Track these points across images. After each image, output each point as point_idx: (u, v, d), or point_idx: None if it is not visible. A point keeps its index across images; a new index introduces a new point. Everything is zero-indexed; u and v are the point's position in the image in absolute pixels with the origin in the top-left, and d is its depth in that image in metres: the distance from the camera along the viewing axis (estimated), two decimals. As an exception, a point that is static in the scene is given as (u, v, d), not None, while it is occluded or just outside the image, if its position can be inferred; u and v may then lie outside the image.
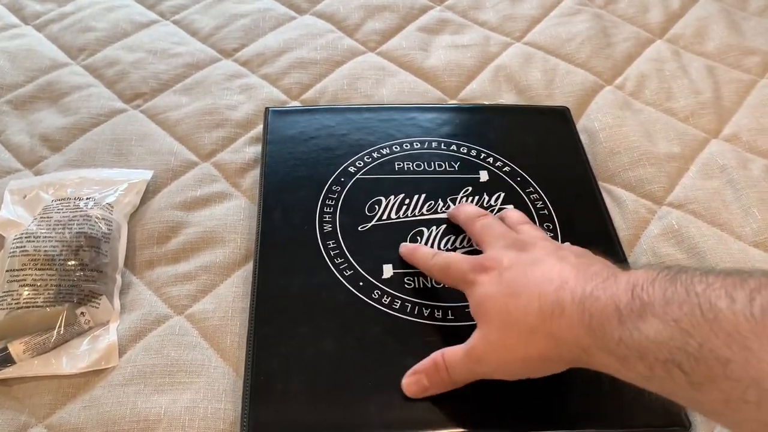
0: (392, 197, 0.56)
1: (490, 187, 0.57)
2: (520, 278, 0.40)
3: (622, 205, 0.59)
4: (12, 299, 0.49)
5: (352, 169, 0.57)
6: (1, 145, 0.63)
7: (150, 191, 0.59)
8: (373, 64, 0.72)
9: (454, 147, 0.60)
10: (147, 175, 0.59)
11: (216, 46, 0.74)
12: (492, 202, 0.56)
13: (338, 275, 0.50)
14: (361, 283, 0.50)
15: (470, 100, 0.68)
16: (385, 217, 0.54)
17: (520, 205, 0.55)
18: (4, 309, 0.49)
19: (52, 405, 0.46)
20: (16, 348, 0.48)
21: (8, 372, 0.47)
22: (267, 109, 0.63)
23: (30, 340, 0.48)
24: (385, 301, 0.49)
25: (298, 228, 0.53)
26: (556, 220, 0.55)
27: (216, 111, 0.66)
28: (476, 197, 0.56)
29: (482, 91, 0.69)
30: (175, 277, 0.54)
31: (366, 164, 0.58)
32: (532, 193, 0.56)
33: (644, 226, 0.57)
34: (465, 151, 0.59)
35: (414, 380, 0.44)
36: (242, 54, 0.73)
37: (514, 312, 0.39)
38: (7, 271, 0.51)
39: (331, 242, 0.52)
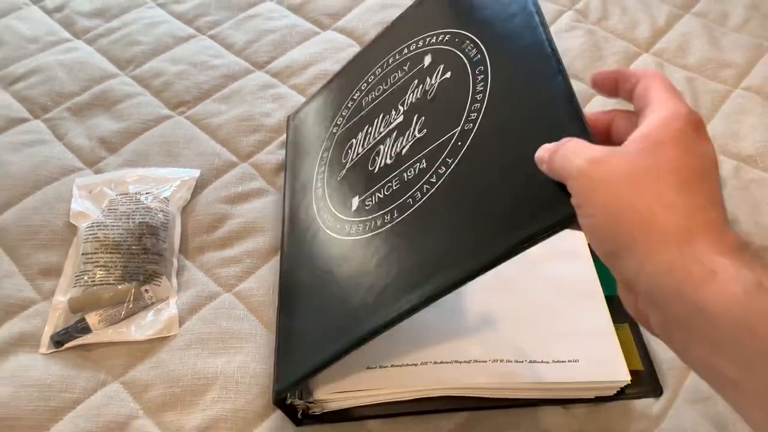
0: (360, 134, 0.57)
1: (432, 67, 0.53)
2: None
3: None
4: (88, 278, 0.58)
5: (334, 130, 0.61)
6: (65, 146, 0.72)
7: (198, 187, 0.68)
8: (389, 75, 0.81)
9: (405, 49, 0.58)
10: (195, 173, 0.68)
11: (249, 59, 0.83)
12: (433, 81, 0.52)
13: (328, 231, 0.55)
14: (338, 226, 0.54)
15: (476, 108, 0.77)
16: (354, 156, 0.57)
17: (459, 67, 0.50)
18: (81, 286, 0.58)
19: (125, 366, 0.55)
20: (92, 319, 0.57)
21: (87, 339, 0.56)
22: (289, 116, 0.72)
23: (103, 312, 0.57)
24: (354, 230, 0.52)
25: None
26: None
27: (252, 118, 0.75)
28: (420, 85, 0.54)
29: (487, 99, 0.78)
30: (223, 261, 0.62)
31: (342, 119, 0.61)
32: (471, 50, 0.50)
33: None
34: (413, 47, 0.57)
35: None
36: (272, 66, 0.82)
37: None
38: (82, 254, 0.60)
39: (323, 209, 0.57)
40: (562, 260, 0.59)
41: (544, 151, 0.38)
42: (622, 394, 0.53)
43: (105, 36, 0.86)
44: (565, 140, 0.37)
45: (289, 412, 0.52)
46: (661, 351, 0.57)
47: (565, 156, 0.36)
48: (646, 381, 0.55)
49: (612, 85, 0.40)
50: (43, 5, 0.90)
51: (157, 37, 0.86)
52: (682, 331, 0.31)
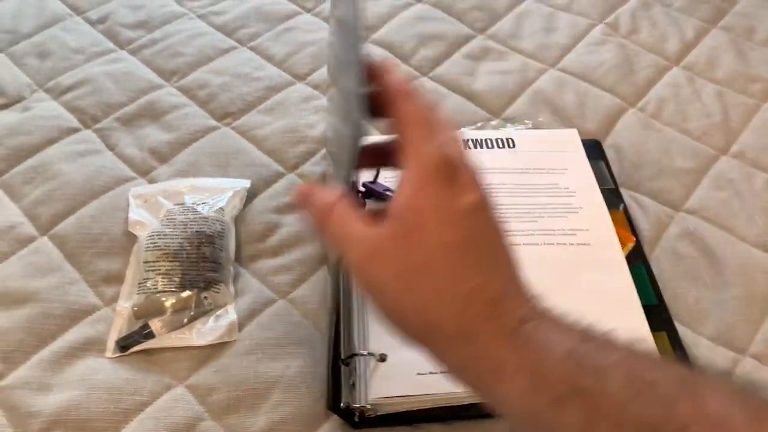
0: None
1: None
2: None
3: (646, 210, 0.70)
4: (150, 285, 0.61)
5: None
6: (117, 156, 0.74)
7: (248, 197, 0.70)
8: (428, 88, 0.83)
9: None
10: (246, 183, 0.71)
11: (290, 70, 0.86)
12: None
13: None
14: None
15: (511, 119, 0.79)
16: None
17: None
18: (144, 293, 0.61)
19: (189, 369, 0.58)
20: (155, 325, 0.59)
21: (150, 344, 0.59)
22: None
23: (166, 318, 0.60)
24: None
25: None
26: None
27: (296, 129, 0.77)
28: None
29: (523, 111, 0.80)
30: (276, 268, 0.65)
31: None
32: None
33: (664, 229, 0.69)
34: None
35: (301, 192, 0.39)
36: (313, 78, 0.84)
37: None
38: (144, 262, 0.62)
39: None
40: (597, 271, 0.61)
41: (310, 208, 0.37)
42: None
43: (148, 47, 0.88)
44: (333, 202, 0.36)
45: (346, 415, 0.54)
46: (700, 360, 0.59)
47: (336, 235, 0.36)
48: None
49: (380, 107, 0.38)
50: (86, 16, 0.93)
51: (199, 49, 0.88)
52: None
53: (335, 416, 0.55)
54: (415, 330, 0.33)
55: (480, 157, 0.70)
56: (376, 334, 0.57)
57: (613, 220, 0.66)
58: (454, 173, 0.34)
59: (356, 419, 0.54)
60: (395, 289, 0.33)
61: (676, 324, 0.61)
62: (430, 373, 0.54)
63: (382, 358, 0.55)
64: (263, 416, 0.55)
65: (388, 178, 0.67)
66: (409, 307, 0.32)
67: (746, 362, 0.59)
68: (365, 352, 0.55)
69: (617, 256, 0.63)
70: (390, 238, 0.33)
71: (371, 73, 0.39)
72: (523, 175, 0.69)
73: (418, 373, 0.54)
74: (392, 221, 0.34)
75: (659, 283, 0.63)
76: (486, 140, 0.72)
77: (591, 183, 0.69)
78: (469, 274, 0.32)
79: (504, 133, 0.74)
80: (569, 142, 0.73)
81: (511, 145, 0.72)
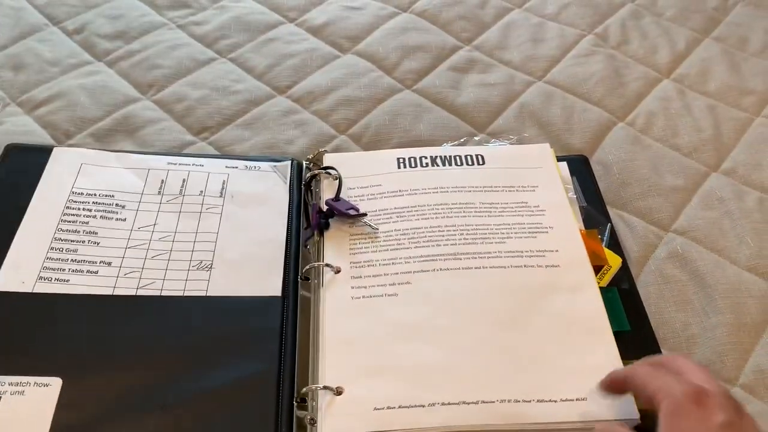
0: None
1: None
2: None
3: (633, 230, 0.68)
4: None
5: None
6: (89, 173, 0.72)
7: (223, 216, 0.68)
8: (410, 101, 0.81)
9: None
10: (221, 202, 0.68)
11: (270, 83, 0.83)
12: None
13: None
14: None
15: (497, 135, 0.77)
16: None
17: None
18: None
19: None
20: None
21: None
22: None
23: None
24: None
25: None
26: None
27: (275, 145, 0.75)
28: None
29: (508, 126, 0.78)
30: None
31: None
32: None
33: (652, 250, 0.66)
34: None
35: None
36: (294, 91, 0.82)
37: None
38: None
39: None
40: (567, 293, 0.59)
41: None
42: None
43: (125, 59, 0.86)
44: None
45: None
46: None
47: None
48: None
49: (615, 389, 0.50)
50: (63, 26, 0.91)
51: (178, 60, 0.86)
52: None
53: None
54: None
55: (446, 175, 0.68)
56: (330, 367, 0.55)
57: (594, 240, 0.64)
58: (706, 398, 0.41)
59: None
60: None
61: (664, 351, 0.58)
62: (388, 408, 0.52)
63: (339, 392, 0.53)
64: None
65: (351, 197, 0.65)
66: None
67: (735, 393, 0.57)
68: (322, 386, 0.53)
69: (588, 279, 0.60)
70: None
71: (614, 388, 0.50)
72: (491, 193, 0.67)
73: (375, 408, 0.52)
74: None
75: (645, 306, 0.61)
76: (455, 157, 0.70)
77: (562, 201, 0.66)
78: None
79: (474, 149, 0.71)
80: (541, 158, 0.70)
81: (481, 162, 0.70)
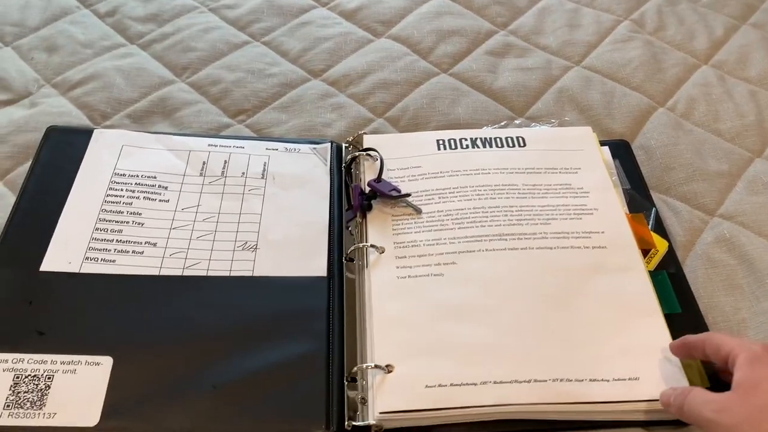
0: None
1: None
2: None
3: (678, 215, 0.67)
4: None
5: None
6: (127, 155, 0.72)
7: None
8: (447, 85, 0.80)
9: None
10: (262, 184, 0.68)
11: (305, 67, 0.83)
12: None
13: None
14: None
15: (537, 119, 0.76)
16: None
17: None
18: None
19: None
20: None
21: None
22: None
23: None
24: None
25: None
26: None
27: (314, 128, 0.75)
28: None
29: (547, 110, 0.78)
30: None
31: None
32: None
33: (698, 234, 0.66)
34: None
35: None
36: (330, 75, 0.82)
37: None
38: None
39: None
40: (614, 275, 0.58)
41: (668, 397, 0.49)
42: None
43: (159, 41, 0.86)
44: (686, 390, 0.48)
45: None
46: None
47: (692, 407, 0.46)
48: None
49: (686, 352, 0.52)
50: (95, 9, 0.90)
51: (211, 43, 0.85)
52: None
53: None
54: None
55: (487, 157, 0.67)
56: (379, 346, 0.54)
57: (641, 224, 0.63)
58: None
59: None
60: (744, 426, 0.43)
61: (714, 335, 0.57)
62: (439, 386, 0.51)
63: (389, 370, 0.52)
64: None
65: (391, 178, 0.65)
66: None
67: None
68: (373, 365, 0.53)
69: (635, 260, 0.60)
70: (736, 397, 0.44)
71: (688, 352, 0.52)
72: (533, 175, 0.66)
73: (427, 386, 0.52)
74: (735, 389, 0.45)
75: (693, 290, 0.61)
76: (495, 139, 0.69)
77: (606, 183, 0.65)
78: None
79: (514, 131, 0.71)
80: (583, 140, 0.70)
81: (522, 144, 0.69)
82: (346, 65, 0.83)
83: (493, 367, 0.53)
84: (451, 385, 0.52)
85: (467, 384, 0.52)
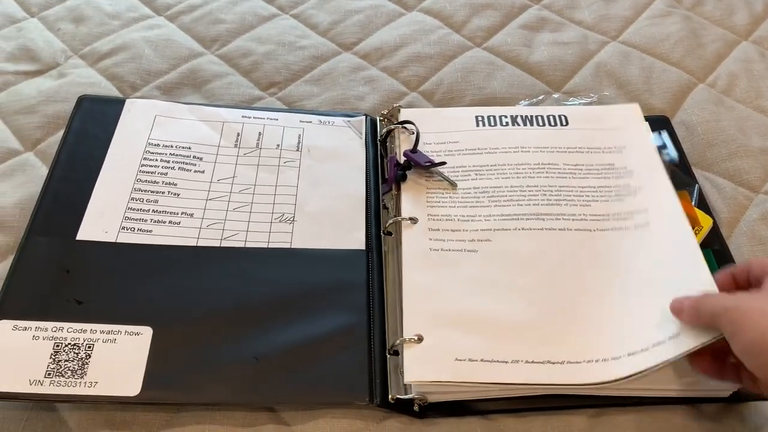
0: None
1: None
2: None
3: (722, 192, 0.65)
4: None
5: None
6: (159, 126, 0.70)
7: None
8: (482, 59, 0.79)
9: None
10: (297, 156, 0.67)
11: (335, 40, 0.81)
12: None
13: None
14: None
15: (575, 93, 0.75)
16: None
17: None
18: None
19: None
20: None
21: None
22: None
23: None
24: None
25: None
26: None
27: (346, 101, 0.73)
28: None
29: (585, 85, 0.76)
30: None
31: None
32: None
33: (743, 211, 0.64)
34: None
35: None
36: (361, 48, 0.80)
37: None
38: (193, 237, 0.58)
39: None
40: (661, 254, 0.56)
41: (680, 303, 0.48)
42: (754, 394, 0.51)
43: (186, 13, 0.84)
44: (703, 293, 0.48)
45: (401, 406, 0.51)
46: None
47: (710, 301, 0.46)
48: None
49: (730, 283, 0.50)
50: (121, -20, 0.88)
51: (240, 15, 0.84)
52: None
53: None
54: None
55: (528, 135, 0.66)
56: (409, 315, 0.53)
57: (685, 201, 0.62)
58: None
59: (416, 409, 0.51)
60: (765, 310, 0.42)
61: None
62: (470, 360, 0.51)
63: (419, 339, 0.52)
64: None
65: (427, 152, 0.64)
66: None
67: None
68: (408, 337, 0.52)
69: (685, 237, 0.57)
70: (757, 291, 0.45)
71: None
72: (575, 154, 0.65)
73: (457, 359, 0.51)
74: (761, 290, 0.45)
75: (740, 269, 0.59)
76: (537, 117, 0.68)
77: (653, 161, 0.63)
78: None
79: (556, 109, 0.69)
80: (629, 118, 0.68)
81: (564, 123, 0.68)
82: (378, 38, 0.81)
83: (525, 346, 0.51)
84: (482, 360, 0.51)
85: (498, 361, 0.51)
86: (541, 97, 0.73)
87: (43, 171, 0.65)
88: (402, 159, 0.64)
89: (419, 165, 0.62)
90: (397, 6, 0.86)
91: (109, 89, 0.74)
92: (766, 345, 0.40)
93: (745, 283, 0.49)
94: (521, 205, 0.61)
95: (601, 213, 0.60)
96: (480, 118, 0.68)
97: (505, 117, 0.68)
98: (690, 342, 0.48)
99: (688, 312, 0.47)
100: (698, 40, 0.81)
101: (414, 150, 0.64)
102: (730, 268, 0.50)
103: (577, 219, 0.60)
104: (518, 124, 0.67)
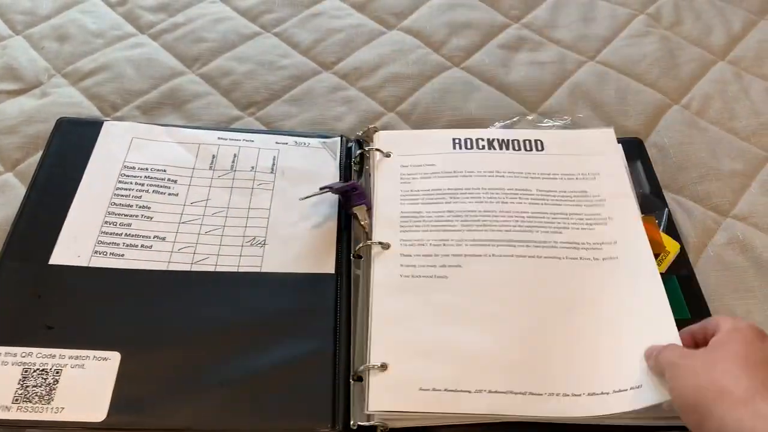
0: None
1: None
2: None
3: (691, 215, 0.66)
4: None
5: None
6: (137, 147, 0.71)
7: (274, 193, 0.67)
8: (459, 79, 0.80)
9: None
10: (271, 178, 0.67)
11: (316, 59, 0.82)
12: None
13: None
14: None
15: (550, 114, 0.75)
16: None
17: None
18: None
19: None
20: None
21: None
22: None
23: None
24: None
25: None
26: None
27: (324, 121, 0.74)
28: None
29: (560, 106, 0.77)
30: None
31: None
32: None
33: (711, 236, 0.65)
34: None
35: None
36: (341, 67, 0.81)
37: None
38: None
39: None
40: (625, 286, 0.57)
41: (650, 351, 0.51)
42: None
43: (169, 31, 0.85)
44: (667, 345, 0.50)
45: None
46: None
47: (664, 354, 0.49)
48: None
49: (691, 341, 0.51)
50: (106, -2, 0.90)
51: (222, 34, 0.85)
52: None
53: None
54: (706, 394, 0.42)
55: (504, 159, 0.66)
56: (376, 343, 0.54)
57: (652, 226, 0.62)
58: (762, 334, 0.46)
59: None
60: (699, 368, 0.44)
61: (724, 339, 0.57)
62: (434, 390, 0.51)
63: (384, 367, 0.52)
64: None
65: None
66: (705, 379, 0.43)
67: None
68: (373, 364, 0.53)
69: (650, 271, 0.58)
70: (704, 349, 0.46)
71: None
72: (549, 181, 0.65)
73: (421, 389, 0.51)
74: (706, 347, 0.47)
75: (705, 293, 0.60)
76: (513, 141, 0.69)
77: (624, 189, 0.64)
78: (757, 374, 0.42)
79: (532, 133, 0.70)
80: (605, 144, 0.68)
81: (539, 148, 0.68)
82: (358, 58, 0.82)
83: (489, 375, 0.52)
84: (446, 390, 0.51)
85: (462, 391, 0.51)
86: (515, 119, 0.74)
87: (22, 192, 0.65)
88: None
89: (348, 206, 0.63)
90: (378, 25, 0.87)
91: (90, 109, 0.75)
92: (689, 403, 0.43)
93: (702, 341, 0.50)
94: (493, 230, 0.61)
95: (572, 241, 0.60)
96: (457, 141, 0.69)
97: (482, 140, 0.69)
98: (650, 397, 0.49)
99: (650, 361, 0.50)
100: (674, 60, 0.82)
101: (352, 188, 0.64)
102: (693, 325, 0.52)
103: (548, 246, 0.60)
104: (494, 148, 0.68)
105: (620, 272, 0.58)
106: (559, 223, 0.62)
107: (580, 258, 0.59)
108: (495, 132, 0.70)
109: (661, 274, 0.59)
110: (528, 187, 0.65)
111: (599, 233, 0.61)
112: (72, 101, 0.76)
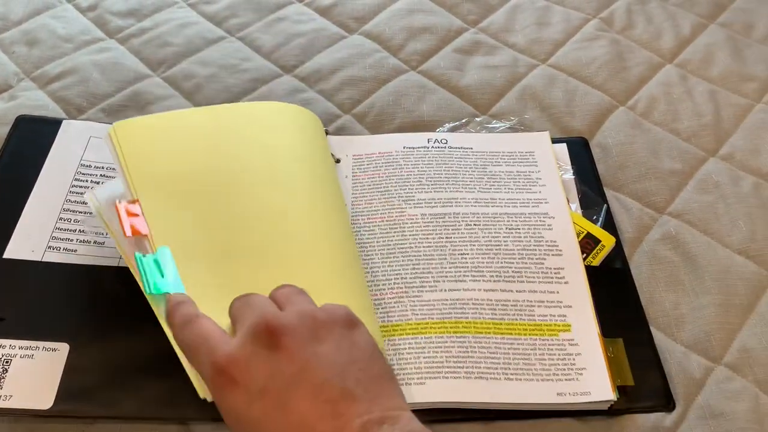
0: None
1: None
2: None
3: (629, 212, 0.69)
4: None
5: None
6: (99, 148, 0.74)
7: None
8: (414, 82, 0.82)
9: None
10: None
11: (277, 62, 0.85)
12: None
13: None
14: None
15: (499, 116, 0.78)
16: None
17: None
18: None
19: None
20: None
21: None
22: None
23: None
24: None
25: None
26: None
27: (281, 122, 0.77)
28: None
29: (510, 108, 0.79)
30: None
31: None
32: None
33: (646, 231, 0.67)
34: None
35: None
36: (301, 71, 0.84)
37: None
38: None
39: None
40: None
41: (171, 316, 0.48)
42: (635, 406, 0.54)
43: (137, 36, 0.88)
44: (194, 316, 0.47)
45: None
46: (673, 366, 0.58)
47: (197, 342, 0.45)
48: (653, 395, 0.55)
49: None
50: (76, 3, 0.92)
51: (188, 39, 0.87)
52: None
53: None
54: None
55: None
56: None
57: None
58: (273, 338, 0.42)
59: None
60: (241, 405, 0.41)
61: (652, 329, 0.60)
62: None
63: None
64: None
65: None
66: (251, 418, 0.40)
67: (719, 371, 0.58)
68: None
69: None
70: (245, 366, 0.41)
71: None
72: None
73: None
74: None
75: (637, 286, 0.62)
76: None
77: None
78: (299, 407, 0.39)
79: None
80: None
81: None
82: (317, 61, 0.85)
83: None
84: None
85: None
86: (464, 121, 0.76)
87: (-14, 191, 0.68)
88: None
89: None
90: (339, 29, 0.90)
91: (56, 111, 0.77)
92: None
93: None
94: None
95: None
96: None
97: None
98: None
99: (176, 333, 0.48)
100: (623, 63, 0.84)
101: None
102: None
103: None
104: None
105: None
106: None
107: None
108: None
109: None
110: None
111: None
112: (38, 104, 0.78)
